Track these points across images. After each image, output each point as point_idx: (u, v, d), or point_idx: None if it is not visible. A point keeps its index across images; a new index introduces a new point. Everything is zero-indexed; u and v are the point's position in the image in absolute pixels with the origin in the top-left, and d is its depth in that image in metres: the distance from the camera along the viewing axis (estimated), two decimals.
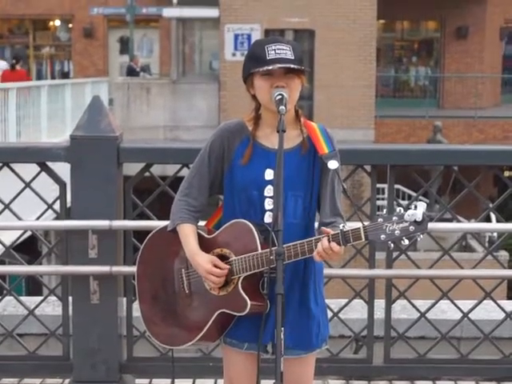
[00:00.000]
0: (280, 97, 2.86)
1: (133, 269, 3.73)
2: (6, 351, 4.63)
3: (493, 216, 10.36)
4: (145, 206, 4.39)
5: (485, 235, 15.44)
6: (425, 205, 2.73)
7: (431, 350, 4.49)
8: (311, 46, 20.75)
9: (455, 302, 4.51)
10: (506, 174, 18.53)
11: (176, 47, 22.37)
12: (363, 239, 2.79)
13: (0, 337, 4.56)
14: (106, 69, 27.56)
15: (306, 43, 20.73)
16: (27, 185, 4.37)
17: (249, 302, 2.88)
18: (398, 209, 2.78)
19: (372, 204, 4.37)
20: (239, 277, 2.91)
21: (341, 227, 2.82)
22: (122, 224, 4.33)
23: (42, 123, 15.86)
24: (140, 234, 3.91)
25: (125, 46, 26.78)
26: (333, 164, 2.92)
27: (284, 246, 2.79)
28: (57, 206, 4.38)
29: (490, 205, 4.63)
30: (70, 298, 4.40)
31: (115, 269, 4.28)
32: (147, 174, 4.40)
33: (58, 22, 28.93)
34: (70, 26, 28.41)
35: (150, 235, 3.18)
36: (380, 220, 2.77)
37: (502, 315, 4.58)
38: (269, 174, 2.96)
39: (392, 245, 2.79)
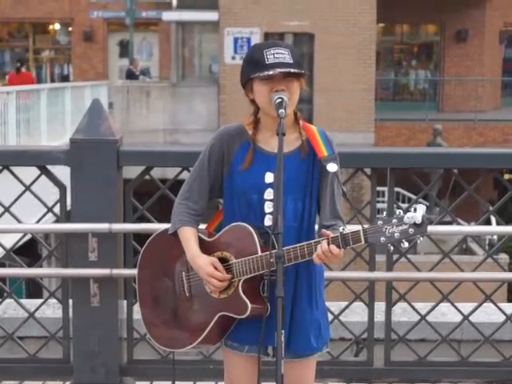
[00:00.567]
0: (280, 100, 2.86)
1: (133, 271, 3.73)
2: (6, 354, 4.64)
3: (493, 219, 10.36)
4: (145, 209, 4.40)
5: (485, 238, 15.44)
6: (424, 207, 2.73)
7: (432, 353, 4.49)
8: (311, 50, 20.76)
9: (455, 304, 4.52)
10: (506, 176, 18.56)
11: (175, 51, 22.39)
12: (363, 242, 2.79)
13: (0, 339, 4.56)
14: (106, 72, 27.57)
15: (306, 47, 20.75)
16: (27, 188, 4.37)
17: (249, 304, 2.88)
18: (397, 211, 2.78)
19: (372, 207, 4.37)
20: (239, 280, 2.91)
21: (340, 230, 2.82)
22: (122, 227, 4.34)
23: (41, 126, 15.86)
24: (140, 237, 3.91)
25: (124, 49, 26.82)
26: (332, 167, 2.92)
27: (284, 248, 2.80)
28: (57, 209, 4.38)
29: (490, 208, 4.63)
30: (71, 301, 4.40)
31: (115, 271, 4.28)
32: (147, 177, 4.40)
33: (57, 26, 28.95)
34: (70, 29, 28.43)
35: (150, 238, 3.18)
36: (380, 223, 2.77)
37: (502, 318, 4.58)
38: (269, 177, 2.96)
39: (392, 247, 2.79)
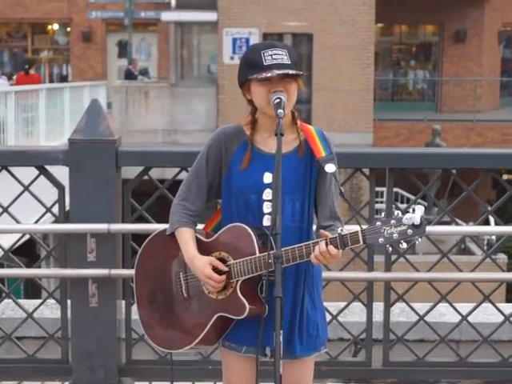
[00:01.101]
0: (278, 100, 2.86)
1: (131, 272, 3.73)
2: (4, 354, 4.63)
3: (491, 219, 10.36)
4: (143, 209, 4.40)
5: (483, 238, 15.44)
6: (423, 208, 2.73)
7: (430, 353, 4.49)
8: (309, 50, 20.78)
9: (454, 304, 4.52)
10: (505, 177, 18.56)
11: (174, 51, 22.38)
12: (361, 243, 2.79)
13: None
14: (105, 72, 27.58)
15: (305, 47, 20.76)
16: (26, 188, 4.37)
17: (247, 305, 2.88)
18: (396, 212, 2.78)
19: (371, 207, 4.37)
20: (237, 280, 2.91)
21: (339, 231, 2.82)
22: (121, 227, 4.34)
23: (40, 127, 15.86)
24: (139, 237, 3.91)
25: (123, 49, 26.83)
26: (330, 167, 2.92)
27: (282, 249, 2.80)
28: (55, 210, 4.38)
29: (489, 208, 4.63)
30: (69, 301, 4.40)
31: (114, 272, 4.28)
32: (146, 177, 4.40)
33: (56, 26, 28.95)
34: (69, 29, 28.43)
35: (148, 239, 3.17)
36: (378, 223, 2.77)
37: (500, 318, 4.58)
38: (267, 178, 2.96)
39: (390, 248, 2.79)
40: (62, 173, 4.38)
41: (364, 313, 4.50)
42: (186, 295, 3.04)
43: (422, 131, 21.41)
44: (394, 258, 4.44)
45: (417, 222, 2.71)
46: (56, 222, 4.46)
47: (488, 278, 4.66)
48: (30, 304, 4.86)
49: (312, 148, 2.97)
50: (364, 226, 2.81)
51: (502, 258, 15.57)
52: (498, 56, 27.13)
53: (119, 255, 4.37)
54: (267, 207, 2.96)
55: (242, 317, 2.91)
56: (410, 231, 2.73)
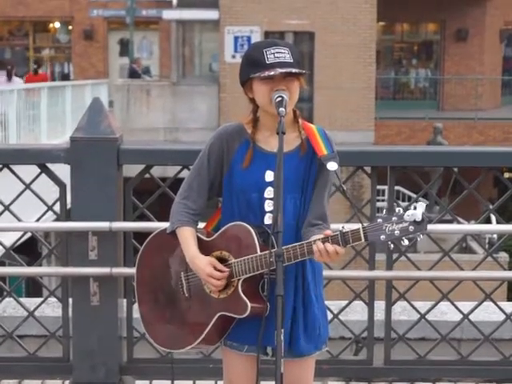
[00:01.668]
0: (280, 99, 2.86)
1: (133, 270, 3.72)
2: (6, 352, 4.63)
3: (493, 217, 10.36)
4: (145, 207, 4.39)
5: (485, 237, 15.43)
6: (424, 205, 2.73)
7: (431, 352, 4.49)
8: (311, 48, 20.77)
9: (455, 303, 4.51)
10: (506, 175, 18.55)
11: (176, 49, 22.39)
12: (363, 240, 2.79)
13: (0, 338, 4.55)
14: (106, 71, 27.57)
15: (306, 45, 20.76)
16: (27, 186, 4.37)
17: (249, 304, 2.88)
18: (397, 209, 2.78)
19: (372, 205, 4.36)
20: (239, 279, 2.91)
21: (340, 228, 2.82)
22: (122, 225, 4.33)
23: (42, 125, 15.87)
24: (140, 236, 3.91)
25: (125, 48, 26.81)
26: (332, 166, 2.92)
27: (283, 247, 2.79)
28: (57, 208, 4.38)
29: (490, 206, 4.63)
30: (70, 300, 4.40)
31: (115, 270, 4.28)
32: (147, 175, 4.40)
33: (57, 24, 28.94)
34: (70, 28, 28.42)
35: (149, 238, 3.17)
36: (379, 220, 2.76)
37: (502, 317, 4.58)
38: (269, 176, 2.96)
39: (392, 245, 2.79)
40: (63, 171, 4.38)
41: (365, 311, 4.50)
42: (187, 294, 3.04)
43: (423, 129, 21.40)
44: (395, 256, 4.44)
45: (418, 218, 2.70)
46: (57, 220, 4.46)
47: (489, 277, 4.66)
48: (31, 302, 4.86)
49: (314, 146, 2.97)
50: (365, 224, 2.81)
51: (503, 256, 15.56)
52: (500, 54, 27.11)
53: (121, 253, 4.37)
54: (269, 205, 2.95)
55: (244, 315, 2.90)
56: (411, 228, 2.73)
